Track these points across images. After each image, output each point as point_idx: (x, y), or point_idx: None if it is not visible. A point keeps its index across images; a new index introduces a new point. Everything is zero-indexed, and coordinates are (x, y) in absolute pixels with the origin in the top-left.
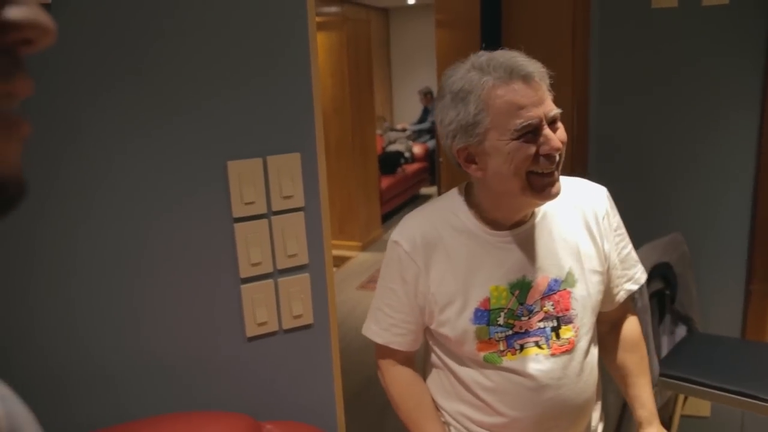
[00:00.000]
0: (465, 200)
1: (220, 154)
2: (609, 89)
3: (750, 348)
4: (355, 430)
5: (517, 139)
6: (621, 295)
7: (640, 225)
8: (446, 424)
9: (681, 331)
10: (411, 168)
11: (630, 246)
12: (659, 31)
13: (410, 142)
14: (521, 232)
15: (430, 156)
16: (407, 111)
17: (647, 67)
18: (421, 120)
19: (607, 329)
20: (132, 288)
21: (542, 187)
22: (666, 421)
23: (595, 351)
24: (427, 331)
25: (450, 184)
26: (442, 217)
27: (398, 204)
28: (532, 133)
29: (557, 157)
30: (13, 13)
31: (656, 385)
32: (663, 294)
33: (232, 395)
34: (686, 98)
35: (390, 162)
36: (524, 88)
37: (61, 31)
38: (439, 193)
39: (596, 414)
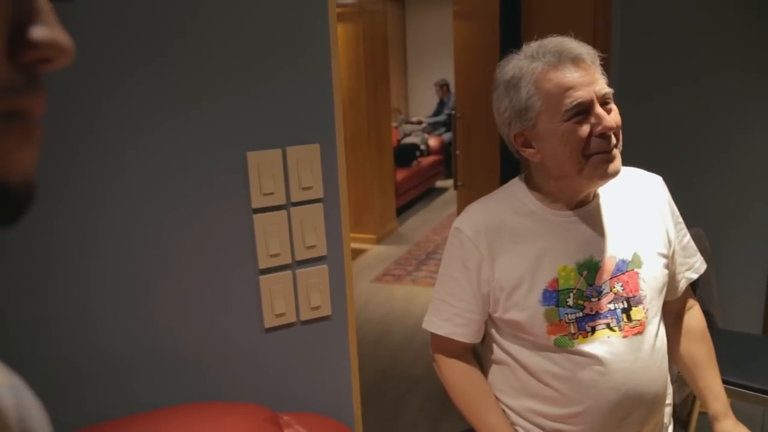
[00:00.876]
0: (526, 185)
1: (240, 145)
2: (630, 82)
3: None
4: (370, 422)
5: (569, 120)
6: (683, 283)
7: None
8: (513, 425)
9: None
10: (426, 161)
11: (689, 235)
12: (686, 19)
13: (426, 135)
14: (585, 212)
15: (445, 149)
16: (423, 103)
17: (673, 59)
18: (437, 112)
19: (671, 320)
20: (149, 279)
21: (599, 165)
22: (684, 418)
23: (664, 335)
24: (489, 324)
25: (467, 178)
26: (505, 203)
27: (413, 197)
28: (583, 113)
29: (612, 137)
30: (36, 33)
31: (675, 382)
32: None
33: (249, 386)
34: (715, 94)
35: (405, 155)
36: (574, 70)
37: (83, 23)
38: (455, 187)
39: (668, 410)
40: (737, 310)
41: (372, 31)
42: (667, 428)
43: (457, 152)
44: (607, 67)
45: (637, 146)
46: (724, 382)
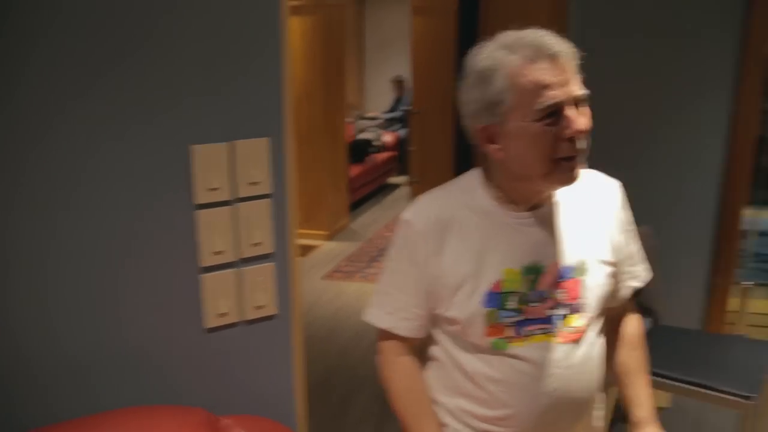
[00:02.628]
0: (482, 181)
1: (183, 138)
2: (585, 81)
3: (711, 340)
4: (318, 419)
5: (541, 120)
6: (625, 292)
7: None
8: (444, 425)
9: (645, 323)
10: (380, 157)
11: (638, 243)
12: (637, 23)
13: (381, 131)
14: (538, 215)
15: (400, 145)
16: (381, 99)
17: (619, 61)
18: (393, 108)
19: (609, 327)
20: (89, 278)
21: (565, 171)
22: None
23: (601, 343)
24: (431, 319)
25: (421, 174)
26: (458, 197)
27: (366, 193)
28: (556, 115)
29: (582, 142)
30: None
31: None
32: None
33: (189, 388)
34: (655, 95)
35: (359, 150)
36: (551, 67)
37: (24, 23)
38: (410, 183)
39: (598, 413)
40: (679, 306)
41: (330, 24)
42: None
43: (413, 149)
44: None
45: (592, 146)
46: (666, 377)
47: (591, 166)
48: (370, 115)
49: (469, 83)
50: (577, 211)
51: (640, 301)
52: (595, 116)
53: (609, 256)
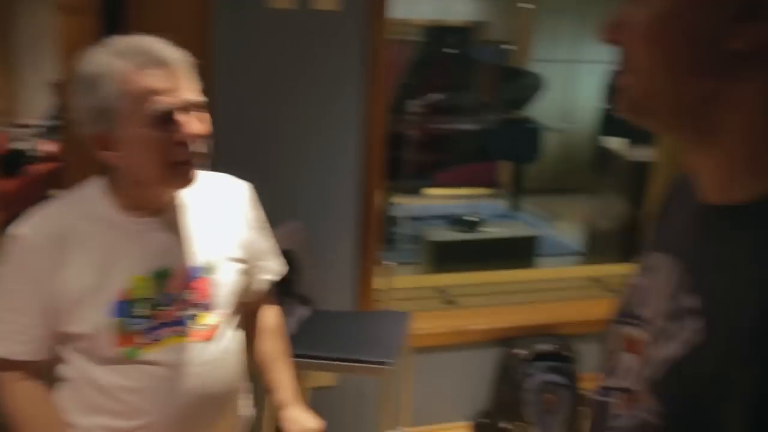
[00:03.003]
0: (102, 188)
1: None
2: (228, 84)
3: (361, 318)
4: None
5: (153, 125)
6: (261, 285)
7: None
8: None
9: (303, 312)
10: (39, 169)
11: (271, 239)
12: (275, 29)
13: (37, 140)
14: (163, 219)
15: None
16: (40, 104)
17: (263, 62)
18: (52, 115)
19: (248, 320)
20: None
21: (180, 175)
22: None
23: (237, 337)
24: (56, 338)
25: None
26: (76, 208)
27: (24, 209)
28: (167, 120)
29: (195, 145)
30: None
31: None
32: (286, 279)
33: None
34: (299, 95)
35: (12, 162)
36: (161, 73)
37: None
38: None
39: (244, 402)
40: (334, 291)
41: None
42: (245, 420)
43: (65, 159)
44: (208, 73)
45: (235, 146)
46: (325, 358)
47: (237, 168)
48: (24, 122)
49: (78, 90)
50: (203, 212)
51: (297, 292)
52: (245, 119)
53: (238, 254)
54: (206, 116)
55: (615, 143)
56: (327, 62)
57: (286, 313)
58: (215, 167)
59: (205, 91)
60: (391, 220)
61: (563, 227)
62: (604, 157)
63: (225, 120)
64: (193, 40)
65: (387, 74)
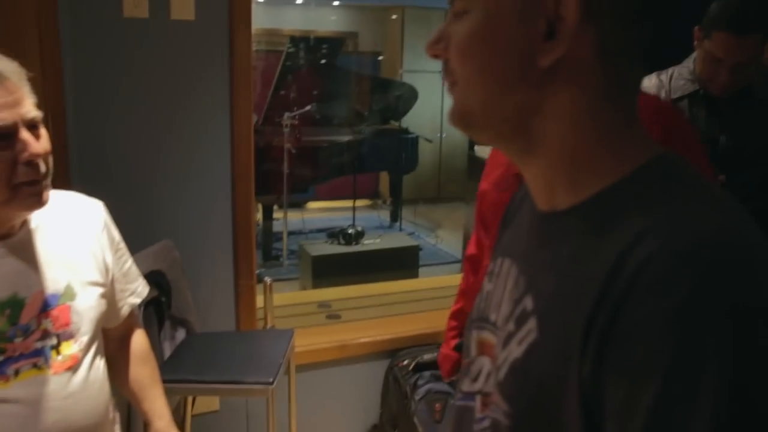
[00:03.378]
0: None
1: None
2: (86, 96)
3: (244, 338)
4: None
5: None
6: (125, 309)
7: (131, 235)
8: None
9: (181, 334)
10: None
11: (131, 260)
12: (132, 39)
13: None
14: (11, 244)
15: None
16: None
17: (124, 75)
18: None
19: (115, 346)
20: None
21: (28, 196)
22: (179, 424)
23: (102, 365)
24: None
25: None
26: None
27: None
28: (7, 138)
29: (41, 165)
30: None
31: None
32: (159, 301)
33: None
34: (163, 107)
35: None
36: None
37: None
38: None
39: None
40: (213, 312)
41: None
42: None
43: None
44: (58, 82)
45: (98, 162)
46: (207, 381)
47: (98, 186)
48: None
49: None
50: (59, 234)
51: (173, 314)
52: (107, 134)
53: (99, 277)
54: (45, 133)
55: (485, 151)
56: (189, 73)
57: (161, 336)
58: (74, 185)
59: (56, 106)
60: (272, 236)
61: (443, 236)
62: (477, 165)
63: (83, 135)
64: (33, 52)
65: (257, 85)
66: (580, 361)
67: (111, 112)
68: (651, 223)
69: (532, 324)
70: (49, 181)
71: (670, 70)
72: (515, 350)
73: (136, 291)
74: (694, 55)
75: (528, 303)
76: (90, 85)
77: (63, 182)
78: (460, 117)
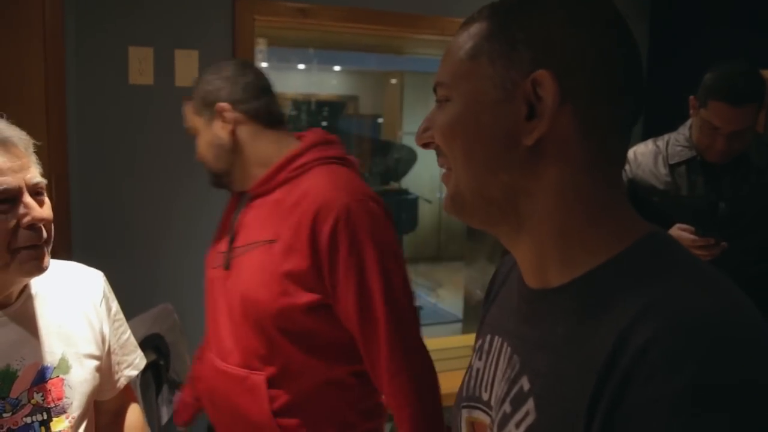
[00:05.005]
0: None
1: None
2: (90, 163)
3: None
4: None
5: None
6: (121, 382)
7: (130, 298)
8: None
9: (178, 398)
10: None
11: (129, 331)
12: (137, 106)
13: None
14: (9, 313)
15: None
16: None
17: (128, 141)
18: None
19: (109, 420)
20: None
21: (27, 260)
22: None
23: None
24: None
25: None
26: None
27: None
28: (10, 202)
29: (43, 230)
30: None
31: None
32: (158, 365)
33: None
34: (166, 172)
35: None
36: (3, 153)
37: None
38: None
39: None
40: None
41: None
42: None
43: None
44: (63, 147)
45: (100, 228)
46: None
47: (100, 252)
48: None
49: None
50: (57, 305)
51: (171, 377)
52: (110, 200)
53: (95, 350)
54: (48, 201)
55: None
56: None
57: (159, 400)
58: (75, 248)
59: (60, 171)
60: None
61: (443, 295)
62: None
63: (85, 199)
64: (40, 118)
65: None
66: None
67: (114, 176)
68: (651, 301)
69: (530, 405)
70: (49, 248)
71: (666, 137)
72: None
73: (134, 363)
74: (690, 121)
75: (525, 383)
76: (94, 151)
77: (64, 244)
78: (452, 203)
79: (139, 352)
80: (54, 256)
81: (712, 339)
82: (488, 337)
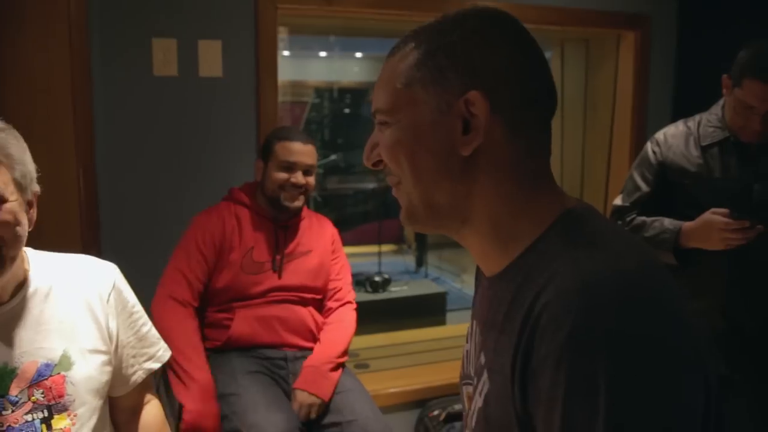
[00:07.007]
0: None
1: None
2: (116, 155)
3: None
4: None
5: None
6: (138, 375)
7: (152, 289)
8: None
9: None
10: None
11: (149, 324)
12: (161, 97)
13: None
14: (4, 311)
15: None
16: None
17: (153, 131)
18: None
19: (126, 417)
20: None
21: None
22: None
23: None
24: None
25: None
26: None
27: None
28: None
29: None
30: None
31: None
32: None
33: None
34: (191, 161)
35: None
36: None
37: None
38: None
39: None
40: None
41: None
42: None
43: None
44: (90, 139)
45: (126, 216)
46: None
47: (127, 244)
48: None
49: None
50: (56, 301)
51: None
52: (136, 187)
53: (101, 345)
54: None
55: None
56: (217, 128)
57: None
58: (103, 238)
59: (87, 161)
60: None
61: (468, 280)
62: None
63: (113, 191)
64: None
65: None
66: (513, 400)
67: (141, 167)
68: (552, 274)
69: (485, 376)
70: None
71: (697, 117)
72: (478, 400)
73: (156, 355)
74: (722, 101)
75: (482, 358)
76: (120, 143)
77: (93, 236)
78: (408, 215)
79: (163, 344)
80: (83, 248)
81: (588, 297)
82: (473, 323)
